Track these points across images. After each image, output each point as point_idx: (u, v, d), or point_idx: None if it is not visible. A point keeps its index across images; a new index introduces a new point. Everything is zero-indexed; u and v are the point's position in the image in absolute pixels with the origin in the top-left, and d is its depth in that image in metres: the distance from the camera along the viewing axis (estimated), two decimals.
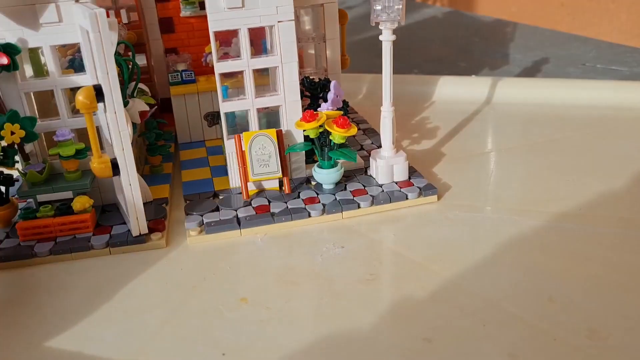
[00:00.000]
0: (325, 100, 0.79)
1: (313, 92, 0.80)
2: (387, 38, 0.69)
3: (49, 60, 0.67)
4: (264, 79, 0.81)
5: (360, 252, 0.64)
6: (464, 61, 1.33)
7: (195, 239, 0.67)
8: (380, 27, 0.69)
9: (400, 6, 0.67)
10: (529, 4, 1.78)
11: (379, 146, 0.85)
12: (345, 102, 0.82)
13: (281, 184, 0.75)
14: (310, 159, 0.78)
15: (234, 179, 0.75)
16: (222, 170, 0.80)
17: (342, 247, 0.65)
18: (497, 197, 0.73)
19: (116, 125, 0.61)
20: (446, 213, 0.70)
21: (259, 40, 0.75)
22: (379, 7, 0.67)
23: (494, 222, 0.68)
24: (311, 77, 0.82)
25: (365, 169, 0.79)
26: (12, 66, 0.65)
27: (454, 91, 1.07)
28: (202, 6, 0.92)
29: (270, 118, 0.76)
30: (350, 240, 0.66)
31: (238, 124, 0.78)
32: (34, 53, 0.70)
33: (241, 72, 0.72)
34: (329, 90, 0.78)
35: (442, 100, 1.05)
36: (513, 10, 1.81)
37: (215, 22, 0.68)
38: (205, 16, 0.67)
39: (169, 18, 0.93)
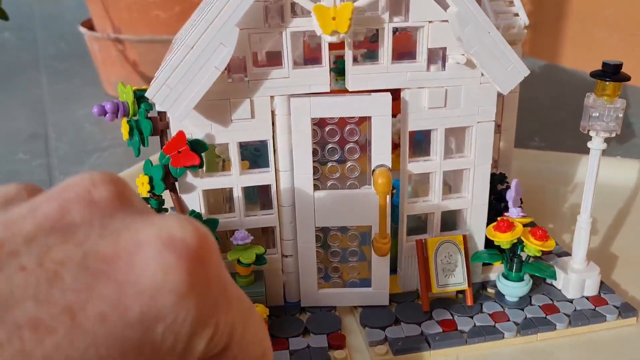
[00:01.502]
0: (500, 199, 0.73)
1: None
2: (597, 146, 0.63)
3: (234, 157, 0.62)
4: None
5: None
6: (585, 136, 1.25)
7: (382, 359, 0.61)
8: (590, 134, 0.63)
9: (621, 115, 0.61)
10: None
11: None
12: (520, 200, 0.75)
13: (459, 290, 0.69)
14: None
15: (409, 283, 0.69)
16: None
17: None
18: None
19: None
20: None
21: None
22: (595, 115, 0.61)
23: None
24: None
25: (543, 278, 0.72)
26: (200, 164, 0.60)
27: (605, 175, 0.99)
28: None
29: (446, 218, 0.70)
30: None
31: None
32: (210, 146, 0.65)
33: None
34: (508, 187, 0.72)
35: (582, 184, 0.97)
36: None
37: (413, 122, 0.62)
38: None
39: None
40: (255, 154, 0.69)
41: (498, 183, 0.74)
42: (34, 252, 0.25)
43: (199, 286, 0.27)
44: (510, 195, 0.71)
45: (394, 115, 0.61)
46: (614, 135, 0.62)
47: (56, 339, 0.23)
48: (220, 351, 0.30)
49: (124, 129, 0.62)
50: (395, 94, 0.61)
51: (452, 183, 0.71)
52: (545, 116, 1.35)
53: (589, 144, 0.64)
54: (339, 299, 0.68)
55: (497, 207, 0.73)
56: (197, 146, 0.59)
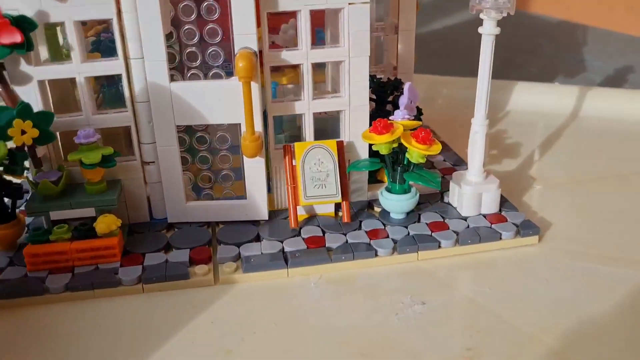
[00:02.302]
0: (396, 106, 0.63)
1: (381, 95, 0.64)
2: (489, 31, 0.54)
3: (72, 40, 0.52)
4: (319, 76, 0.66)
5: (448, 313, 0.48)
6: (534, 66, 1.16)
7: (230, 277, 0.52)
8: (481, 16, 0.54)
9: None
10: (594, 5, 1.60)
11: (454, 164, 0.70)
12: (419, 110, 0.66)
13: (337, 208, 0.60)
14: (372, 177, 0.63)
15: (280, 200, 0.60)
16: None
17: (423, 303, 0.49)
18: (612, 243, 0.57)
19: None
20: (552, 261, 0.55)
21: (313, 29, 0.60)
22: None
23: (614, 277, 0.52)
24: (378, 77, 0.67)
25: (441, 194, 0.63)
26: (26, 45, 0.50)
27: (533, 100, 0.90)
28: None
29: (326, 126, 0.61)
30: (432, 293, 0.50)
31: (284, 131, 0.63)
32: (51, 30, 0.55)
33: (294, 67, 0.57)
34: (402, 93, 0.63)
35: (519, 110, 0.88)
36: (574, 11, 1.64)
37: (269, 1, 0.52)
38: None
39: None
40: (110, 47, 0.59)
41: (393, 90, 0.65)
42: None
43: None
44: (402, 100, 0.61)
45: None
46: (505, 14, 0.52)
47: None
48: None
49: None
50: None
51: (336, 87, 0.62)
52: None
53: (480, 29, 0.54)
54: (211, 214, 0.59)
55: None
56: (22, 23, 0.50)
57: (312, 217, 0.59)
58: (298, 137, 0.61)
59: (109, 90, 0.63)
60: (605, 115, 0.87)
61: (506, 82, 0.95)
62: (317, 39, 0.65)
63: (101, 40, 0.62)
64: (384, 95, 0.64)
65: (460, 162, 0.71)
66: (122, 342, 0.46)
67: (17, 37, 0.50)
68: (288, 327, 0.47)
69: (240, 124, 0.54)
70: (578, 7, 1.62)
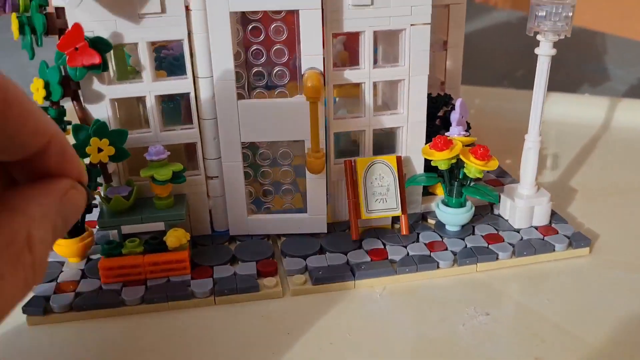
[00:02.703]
0: (446, 121, 0.66)
1: (432, 110, 0.66)
2: (546, 52, 0.56)
3: (144, 60, 0.54)
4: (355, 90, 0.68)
5: (512, 323, 0.50)
6: (558, 75, 1.18)
7: (300, 289, 0.54)
8: (538, 38, 0.56)
9: (571, 14, 0.53)
10: (605, 11, 1.62)
11: (497, 177, 0.72)
12: (468, 124, 0.68)
13: (393, 220, 0.62)
14: (424, 189, 0.65)
15: (337, 212, 0.62)
16: None
17: (487, 313, 0.51)
18: None
19: None
20: (604, 272, 0.57)
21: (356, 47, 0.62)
22: (542, 14, 0.54)
23: None
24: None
25: (490, 206, 0.65)
26: (102, 66, 0.52)
27: (564, 111, 0.93)
28: None
29: (380, 140, 0.63)
30: (494, 304, 0.53)
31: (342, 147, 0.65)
32: (119, 50, 0.57)
33: (354, 85, 0.59)
34: (451, 108, 0.65)
35: (552, 121, 0.91)
36: (590, 18, 1.66)
37: (335, 23, 0.55)
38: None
39: None
40: (174, 64, 0.61)
41: (443, 105, 0.67)
42: None
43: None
44: (454, 116, 0.64)
45: None
46: (562, 37, 0.54)
47: None
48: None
49: (14, 26, 0.54)
50: None
51: (390, 103, 0.64)
52: (515, 63, 1.28)
53: (537, 50, 0.56)
54: (271, 226, 0.61)
55: (441, 132, 0.66)
56: (99, 45, 0.52)
57: (370, 229, 0.61)
58: (353, 151, 0.63)
59: (167, 106, 0.65)
60: (636, 126, 0.89)
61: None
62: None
63: (162, 57, 0.64)
64: (434, 111, 0.66)
65: (503, 174, 0.73)
66: (202, 353, 0.48)
67: (96, 59, 0.52)
68: (362, 338, 0.49)
69: (304, 140, 0.56)
70: (593, 13, 1.64)
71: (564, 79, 1.18)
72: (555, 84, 1.13)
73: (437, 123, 0.67)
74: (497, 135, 0.83)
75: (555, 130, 0.89)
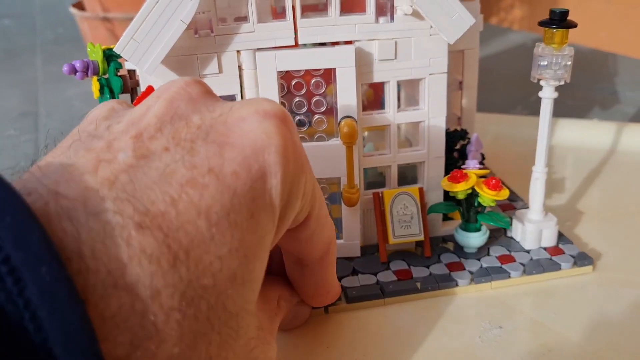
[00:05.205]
0: (462, 153, 0.74)
1: (450, 144, 0.74)
2: (548, 95, 0.64)
3: None
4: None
5: (522, 335, 0.58)
6: (571, 98, 1.26)
7: (337, 307, 0.62)
8: (541, 83, 0.64)
9: (570, 63, 0.61)
10: (620, 31, 1.69)
11: (510, 200, 0.80)
12: (482, 156, 0.76)
13: (417, 244, 0.70)
14: (444, 216, 0.73)
15: (366, 237, 0.71)
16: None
17: (500, 327, 0.59)
18: None
19: None
20: (606, 288, 0.64)
21: (380, 93, 0.71)
22: (544, 64, 0.62)
23: None
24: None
25: (504, 230, 0.73)
26: None
27: (573, 136, 1.00)
28: None
29: (406, 172, 0.72)
30: (506, 318, 0.60)
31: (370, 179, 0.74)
32: None
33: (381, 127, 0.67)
34: (467, 142, 0.73)
35: (561, 146, 0.98)
36: (603, 40, 1.72)
37: (365, 75, 0.63)
38: None
39: None
40: None
41: (459, 139, 0.75)
42: (168, 136, 0.32)
43: (292, 147, 0.36)
44: (469, 149, 0.72)
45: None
46: (562, 83, 0.62)
47: (211, 192, 0.31)
48: (304, 221, 0.41)
49: (95, 87, 0.64)
50: None
51: (412, 138, 0.72)
52: (532, 88, 1.35)
53: (540, 94, 0.64)
54: None
55: (458, 163, 0.74)
56: None
57: (396, 252, 0.69)
58: (380, 182, 0.71)
59: None
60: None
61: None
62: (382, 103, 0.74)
63: None
64: (452, 145, 0.74)
65: (515, 198, 0.81)
66: None
67: None
68: (390, 349, 0.57)
69: (340, 177, 0.65)
70: (606, 35, 1.70)
71: (574, 102, 1.25)
72: (565, 108, 1.20)
73: (454, 156, 0.75)
74: (510, 160, 0.91)
75: (564, 155, 0.97)
